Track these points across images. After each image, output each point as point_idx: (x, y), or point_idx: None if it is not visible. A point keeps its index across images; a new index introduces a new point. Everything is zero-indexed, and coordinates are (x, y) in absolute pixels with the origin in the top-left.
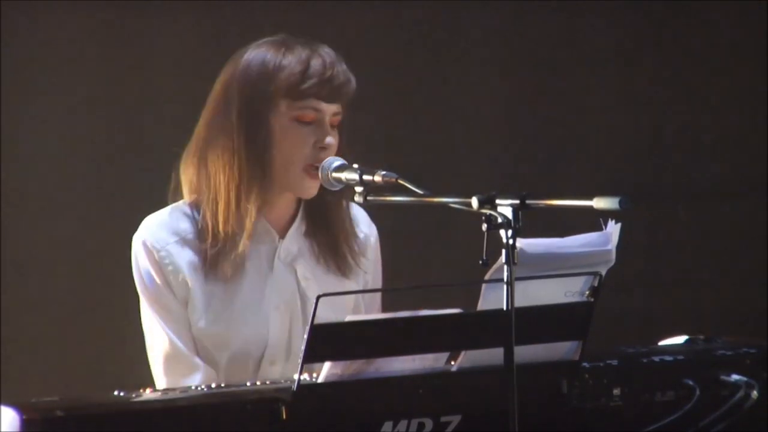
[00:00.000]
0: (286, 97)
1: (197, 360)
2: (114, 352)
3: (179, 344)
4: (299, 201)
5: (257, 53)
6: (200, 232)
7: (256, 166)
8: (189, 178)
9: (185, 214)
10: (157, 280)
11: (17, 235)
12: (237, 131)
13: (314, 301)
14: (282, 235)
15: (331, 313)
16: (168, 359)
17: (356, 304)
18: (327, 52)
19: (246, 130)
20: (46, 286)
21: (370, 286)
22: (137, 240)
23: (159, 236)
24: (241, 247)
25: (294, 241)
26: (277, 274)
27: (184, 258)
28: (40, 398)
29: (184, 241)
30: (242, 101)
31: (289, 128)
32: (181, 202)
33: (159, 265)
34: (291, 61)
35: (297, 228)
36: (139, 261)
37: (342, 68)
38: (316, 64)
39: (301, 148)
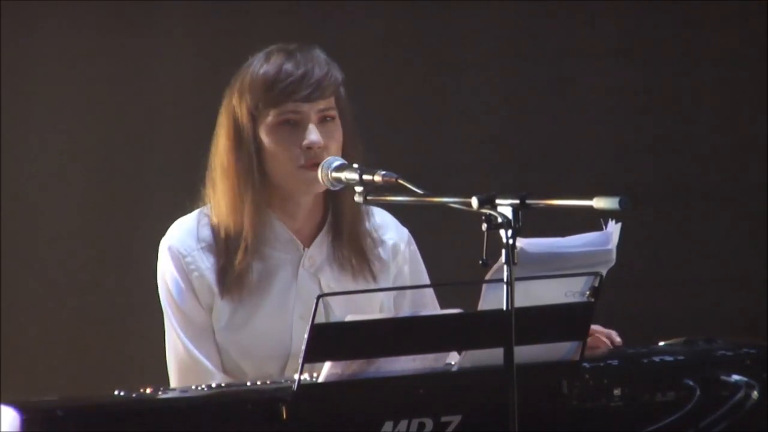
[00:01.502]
0: (266, 107)
1: (212, 369)
2: (114, 352)
3: (195, 352)
4: (325, 209)
5: (243, 69)
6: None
7: (248, 181)
8: (208, 193)
9: (210, 220)
10: (183, 285)
11: (17, 234)
12: (227, 149)
13: (337, 310)
14: (308, 244)
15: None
16: (183, 368)
17: (381, 309)
18: (304, 54)
19: (234, 147)
20: (46, 285)
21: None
22: (164, 245)
23: (186, 242)
24: (237, 261)
25: (319, 250)
26: (302, 283)
27: (211, 264)
28: (40, 398)
29: (209, 248)
30: (228, 119)
31: (274, 136)
32: (207, 206)
33: (185, 271)
34: (267, 70)
35: (323, 237)
36: (165, 266)
37: (319, 64)
38: (288, 66)
39: (291, 152)
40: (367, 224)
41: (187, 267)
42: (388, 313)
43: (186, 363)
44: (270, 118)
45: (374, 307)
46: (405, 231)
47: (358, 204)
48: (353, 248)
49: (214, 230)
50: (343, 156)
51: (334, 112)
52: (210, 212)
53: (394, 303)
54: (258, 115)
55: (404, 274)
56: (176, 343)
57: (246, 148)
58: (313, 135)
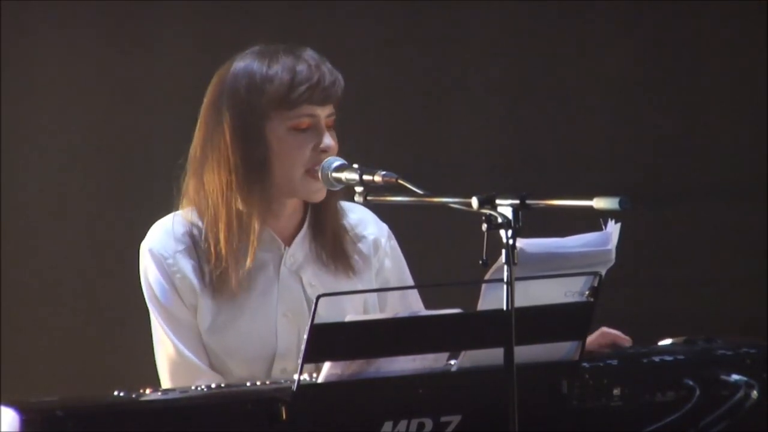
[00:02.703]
0: (279, 108)
1: (203, 367)
2: (114, 352)
3: (185, 351)
4: (305, 209)
5: (242, 67)
6: (203, 252)
7: (255, 182)
8: (190, 195)
9: (190, 222)
10: (166, 286)
11: (17, 235)
12: (231, 149)
13: (321, 309)
14: (288, 243)
15: (337, 316)
16: (173, 366)
17: (365, 306)
18: (310, 56)
19: (240, 148)
20: (46, 286)
21: (392, 285)
22: (144, 248)
23: (166, 244)
24: (247, 265)
25: (300, 248)
26: (284, 282)
27: (191, 266)
28: (40, 398)
29: (189, 250)
30: (233, 118)
31: (286, 138)
32: (186, 209)
33: (167, 272)
34: (277, 70)
35: (303, 235)
36: (148, 268)
37: (328, 68)
38: (302, 69)
39: (301, 155)
40: (343, 221)
41: (170, 269)
42: (372, 308)
43: (177, 362)
44: (283, 120)
45: (357, 304)
46: (384, 226)
47: (337, 202)
48: (334, 245)
49: (195, 231)
50: None
51: (334, 117)
52: (190, 214)
53: (379, 299)
54: (266, 116)
55: (386, 268)
56: (166, 344)
57: (255, 150)
58: (328, 139)
